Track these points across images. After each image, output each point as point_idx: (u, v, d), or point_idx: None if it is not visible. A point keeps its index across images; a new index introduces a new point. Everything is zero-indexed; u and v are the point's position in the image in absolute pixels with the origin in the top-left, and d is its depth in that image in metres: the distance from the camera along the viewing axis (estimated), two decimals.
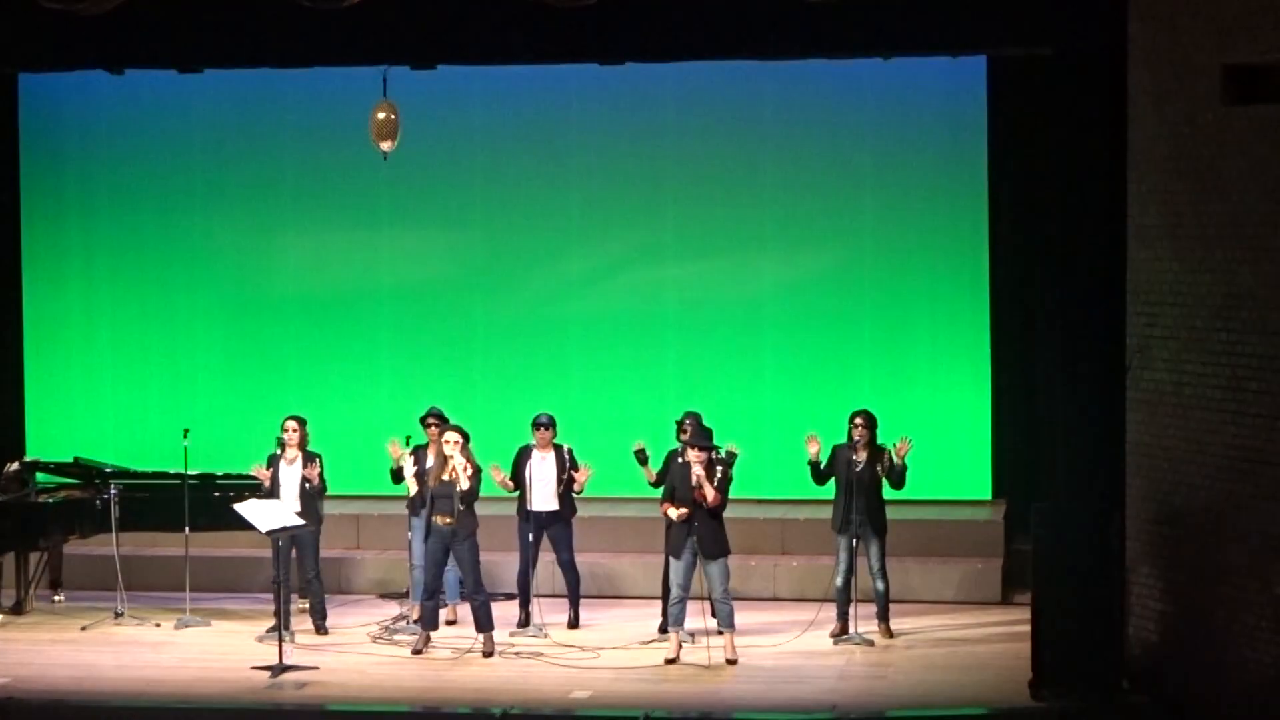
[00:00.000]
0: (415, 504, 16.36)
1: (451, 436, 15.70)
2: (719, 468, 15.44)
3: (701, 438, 15.54)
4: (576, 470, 16.63)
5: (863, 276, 19.20)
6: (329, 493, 16.95)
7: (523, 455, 16.60)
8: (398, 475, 16.64)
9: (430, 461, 16.15)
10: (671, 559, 15.66)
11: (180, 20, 15.75)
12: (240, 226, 19.99)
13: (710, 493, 15.32)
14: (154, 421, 19.70)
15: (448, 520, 15.72)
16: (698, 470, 15.31)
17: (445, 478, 15.70)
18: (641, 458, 16.21)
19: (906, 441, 16.05)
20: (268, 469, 16.60)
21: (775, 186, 19.21)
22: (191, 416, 18.69)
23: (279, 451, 16.65)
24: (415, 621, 16.40)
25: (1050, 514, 14.35)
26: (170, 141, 19.94)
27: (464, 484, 15.61)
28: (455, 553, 15.87)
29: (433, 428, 16.45)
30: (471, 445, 15.79)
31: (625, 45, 15.95)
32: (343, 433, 18.60)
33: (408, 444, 16.48)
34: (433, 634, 16.01)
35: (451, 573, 16.35)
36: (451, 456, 15.64)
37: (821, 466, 16.16)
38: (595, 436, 17.76)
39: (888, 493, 16.23)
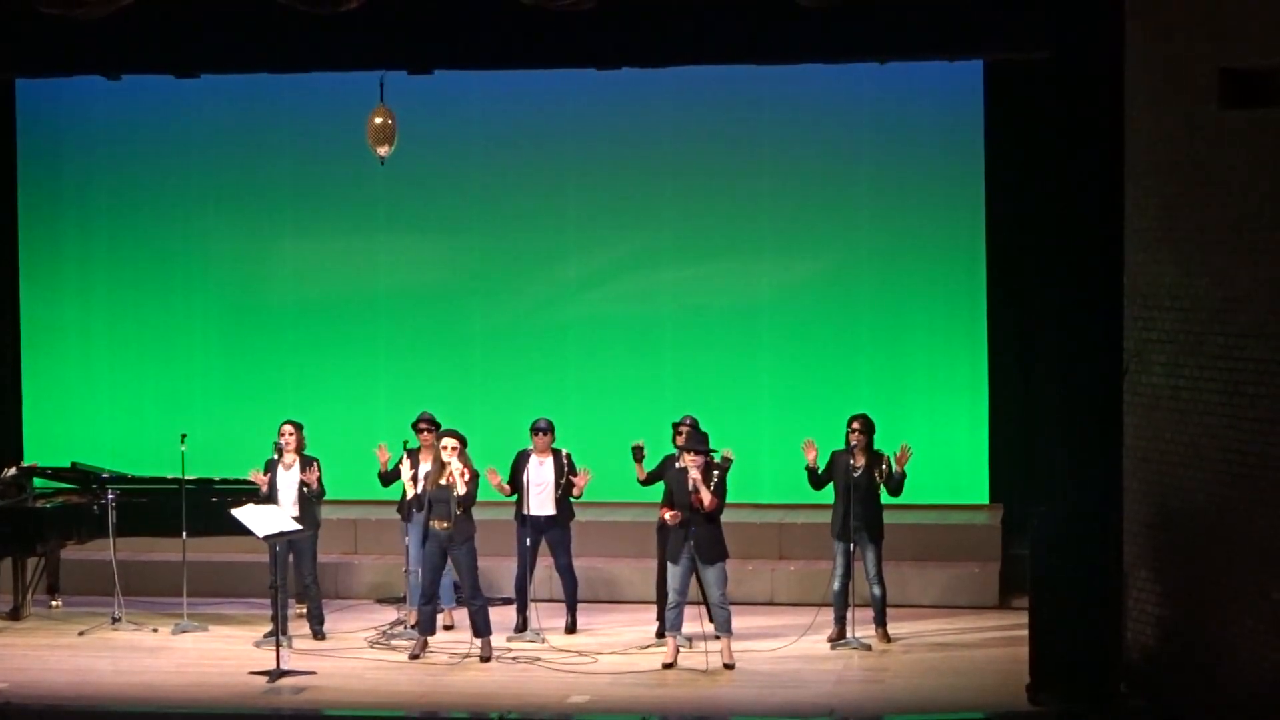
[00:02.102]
0: (407, 509, 16.37)
1: (449, 442, 15.70)
2: (715, 472, 15.43)
3: (698, 442, 15.53)
4: (575, 475, 16.63)
5: (859, 281, 19.20)
6: (327, 497, 16.95)
7: (521, 460, 16.59)
8: (386, 479, 16.64)
9: (425, 466, 16.13)
10: (669, 564, 15.64)
11: (177, 26, 15.76)
12: (237, 231, 20.00)
13: (707, 497, 15.31)
14: (151, 426, 19.68)
15: (445, 525, 15.71)
16: (694, 474, 15.30)
17: (443, 482, 15.69)
18: (638, 454, 16.20)
19: (907, 449, 16.03)
20: (265, 474, 16.59)
21: (772, 191, 19.23)
22: (189, 421, 18.63)
23: (276, 457, 16.64)
24: (412, 626, 16.39)
25: (1047, 518, 14.34)
26: (167, 147, 19.96)
27: (460, 489, 15.60)
28: (453, 557, 15.86)
29: (425, 433, 16.45)
30: (468, 450, 15.79)
31: (622, 50, 15.96)
32: (340, 438, 18.57)
33: (404, 447, 16.45)
34: (430, 639, 16.00)
35: (447, 577, 16.34)
36: (449, 462, 15.63)
37: (819, 472, 16.15)
38: (592, 441, 17.76)
39: (885, 497, 16.22)
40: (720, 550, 15.49)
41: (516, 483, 16.55)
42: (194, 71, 17.19)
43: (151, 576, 17.98)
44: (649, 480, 16.12)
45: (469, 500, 15.66)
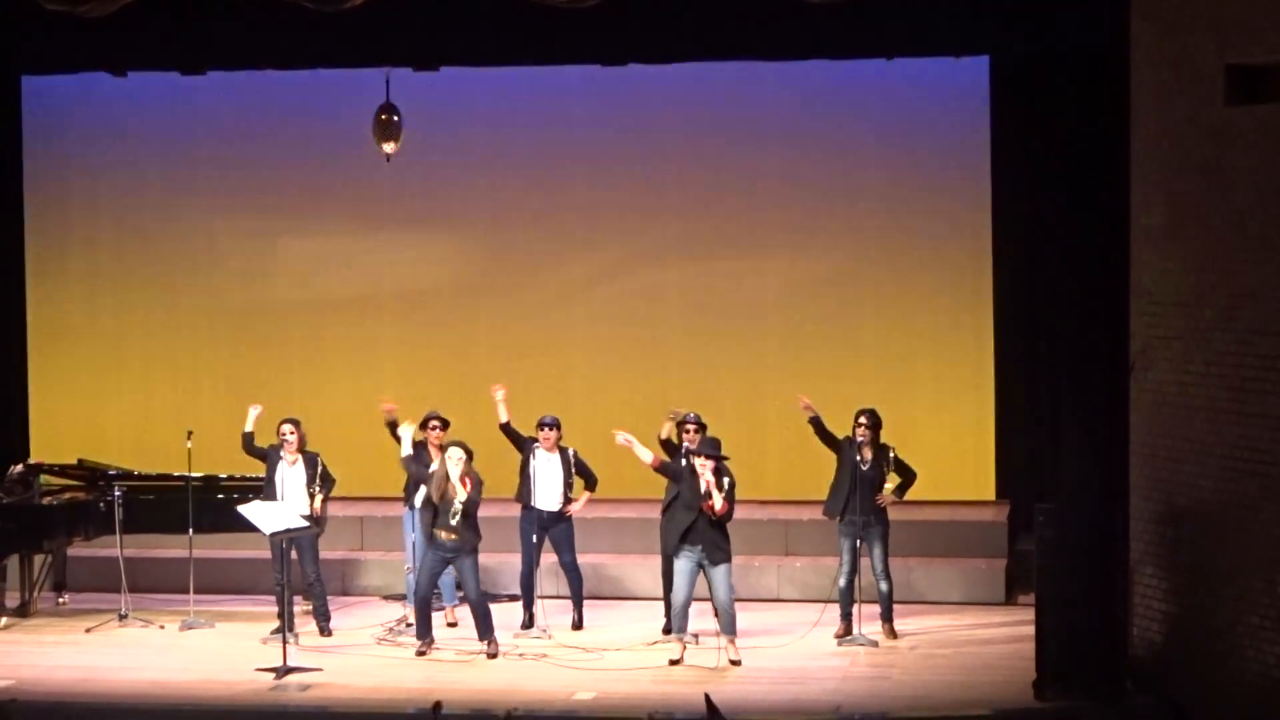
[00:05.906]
0: (410, 491, 16.36)
1: (456, 454, 15.67)
2: (727, 479, 15.39)
3: (711, 448, 15.50)
4: (584, 477, 16.67)
5: (866, 277, 19.19)
6: (333, 494, 16.94)
7: (529, 447, 16.58)
8: (393, 428, 16.58)
9: (431, 463, 16.11)
10: (676, 563, 15.57)
11: (183, 22, 15.76)
12: (243, 228, 20.00)
13: (719, 502, 15.29)
14: (158, 423, 19.69)
15: (452, 536, 15.70)
16: (707, 478, 15.27)
17: (448, 494, 15.66)
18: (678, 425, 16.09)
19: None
20: (266, 461, 16.59)
21: (778, 188, 19.21)
22: (195, 418, 18.65)
23: (280, 453, 16.65)
24: (408, 625, 16.38)
25: (1054, 515, 14.34)
26: (173, 144, 19.95)
27: (462, 494, 15.56)
28: (457, 566, 15.85)
29: (434, 430, 16.46)
30: (472, 461, 15.81)
31: (627, 47, 15.96)
32: (346, 435, 18.57)
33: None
34: (437, 636, 15.99)
35: (447, 575, 16.34)
36: (450, 473, 15.60)
37: (824, 427, 16.07)
38: (598, 439, 17.71)
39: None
40: (726, 552, 15.47)
41: (524, 472, 16.58)
42: (200, 68, 17.18)
43: (158, 573, 17.99)
44: (660, 465, 15.88)
45: (472, 505, 15.64)
